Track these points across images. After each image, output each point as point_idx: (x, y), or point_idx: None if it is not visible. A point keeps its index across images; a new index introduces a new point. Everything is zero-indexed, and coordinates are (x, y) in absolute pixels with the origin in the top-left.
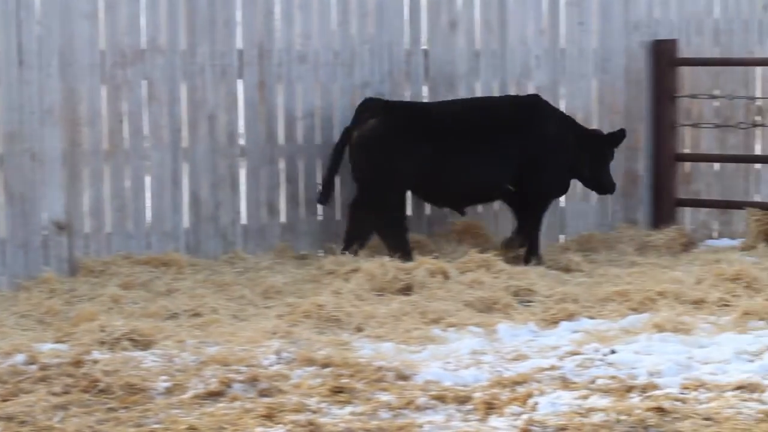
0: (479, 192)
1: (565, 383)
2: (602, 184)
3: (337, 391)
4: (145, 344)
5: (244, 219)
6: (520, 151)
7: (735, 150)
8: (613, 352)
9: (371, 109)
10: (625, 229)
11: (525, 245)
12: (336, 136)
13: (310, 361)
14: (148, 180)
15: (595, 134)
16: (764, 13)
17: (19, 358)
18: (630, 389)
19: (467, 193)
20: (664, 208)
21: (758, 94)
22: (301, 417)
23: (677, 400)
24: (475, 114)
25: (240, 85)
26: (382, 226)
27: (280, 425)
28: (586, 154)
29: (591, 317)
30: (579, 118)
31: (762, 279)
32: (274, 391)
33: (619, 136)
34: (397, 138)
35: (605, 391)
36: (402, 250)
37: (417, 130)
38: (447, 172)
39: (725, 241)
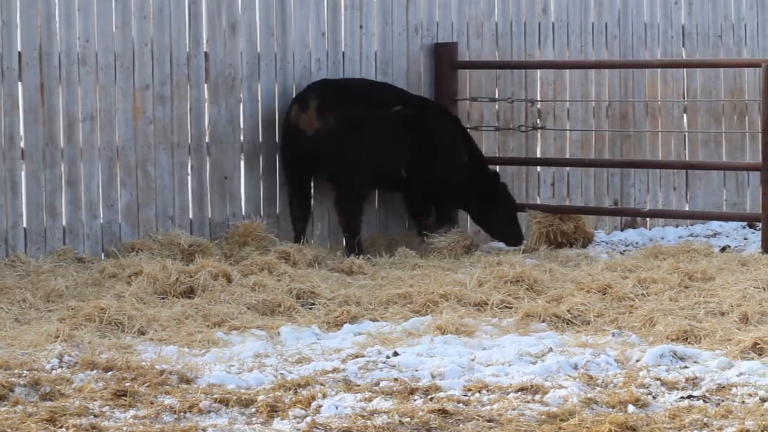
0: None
1: (349, 386)
2: (493, 226)
3: (120, 394)
4: None
5: (25, 222)
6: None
7: (515, 153)
8: (395, 354)
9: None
10: (414, 232)
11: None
12: (117, 137)
13: (92, 365)
14: None
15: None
16: (544, 16)
17: None
18: (413, 391)
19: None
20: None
21: (538, 96)
22: (84, 421)
23: (460, 402)
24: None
25: (20, 88)
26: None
27: (63, 429)
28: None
29: (374, 320)
30: None
31: (543, 281)
32: (57, 395)
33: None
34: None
35: (388, 394)
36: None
37: None
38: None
39: None
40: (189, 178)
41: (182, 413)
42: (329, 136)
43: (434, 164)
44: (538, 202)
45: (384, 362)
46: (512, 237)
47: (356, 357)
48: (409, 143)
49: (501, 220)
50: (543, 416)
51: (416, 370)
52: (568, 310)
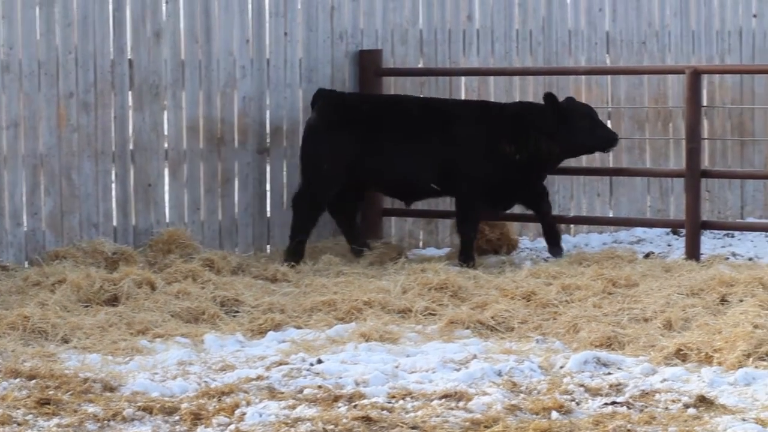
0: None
1: (273, 393)
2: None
3: (44, 402)
4: None
5: None
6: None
7: None
8: (320, 361)
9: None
10: (341, 240)
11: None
12: (40, 145)
13: (15, 373)
14: None
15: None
16: (469, 22)
17: None
18: (337, 399)
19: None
20: (370, 218)
21: None
22: (7, 429)
23: (384, 409)
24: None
25: None
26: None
27: None
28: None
29: (298, 327)
30: (285, 129)
31: (467, 288)
32: None
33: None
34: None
35: (312, 401)
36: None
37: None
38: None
39: (431, 251)
40: (113, 185)
41: (106, 421)
42: (305, 138)
43: (462, 172)
44: None
45: (308, 369)
46: (598, 141)
47: (280, 364)
48: (431, 153)
49: (578, 134)
50: (467, 423)
51: (340, 378)
52: (492, 317)
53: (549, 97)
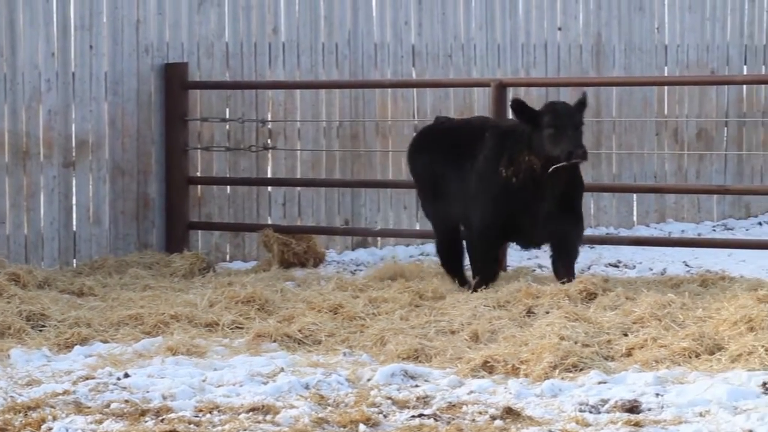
0: None
1: (79, 408)
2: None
3: None
4: None
5: None
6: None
7: (247, 173)
8: (126, 375)
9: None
10: (147, 253)
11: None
12: None
13: None
14: None
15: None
16: (274, 36)
17: None
18: (144, 413)
19: None
20: (176, 231)
21: (269, 116)
22: None
23: (191, 423)
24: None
25: None
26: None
27: None
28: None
29: (104, 341)
30: (90, 142)
31: (275, 301)
32: None
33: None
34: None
35: (119, 416)
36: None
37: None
38: None
39: (238, 264)
40: None
41: None
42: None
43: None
44: (269, 222)
45: (115, 384)
46: (560, 152)
47: (87, 379)
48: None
49: (542, 143)
50: None
51: (147, 392)
52: (299, 330)
53: (515, 104)
